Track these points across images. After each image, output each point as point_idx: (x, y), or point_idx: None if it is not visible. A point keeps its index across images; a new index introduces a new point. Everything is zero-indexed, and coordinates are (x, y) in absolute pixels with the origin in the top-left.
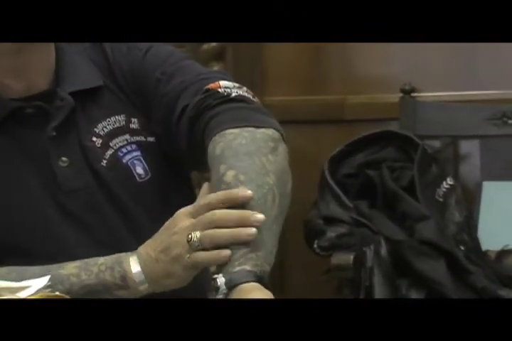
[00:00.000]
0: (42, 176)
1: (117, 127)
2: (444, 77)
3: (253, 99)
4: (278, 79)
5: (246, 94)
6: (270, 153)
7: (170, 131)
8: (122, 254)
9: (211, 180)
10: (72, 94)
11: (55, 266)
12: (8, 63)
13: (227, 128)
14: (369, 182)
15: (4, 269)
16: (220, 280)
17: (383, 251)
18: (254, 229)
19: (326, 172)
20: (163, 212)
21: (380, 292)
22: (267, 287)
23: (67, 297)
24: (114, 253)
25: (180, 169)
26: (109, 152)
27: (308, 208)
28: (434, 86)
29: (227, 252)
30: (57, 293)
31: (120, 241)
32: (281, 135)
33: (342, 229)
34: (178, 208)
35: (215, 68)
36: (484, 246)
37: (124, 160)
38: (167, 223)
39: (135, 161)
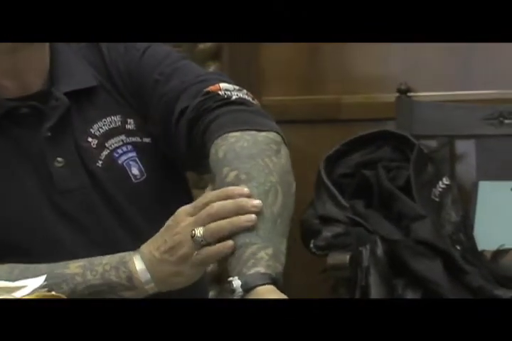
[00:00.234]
0: (37, 176)
1: (113, 128)
2: (440, 76)
3: (253, 102)
4: (274, 78)
5: (246, 97)
6: (273, 155)
7: (168, 132)
8: (125, 254)
9: (215, 183)
10: (67, 94)
11: (59, 264)
12: (3, 63)
13: (228, 132)
14: (365, 182)
15: (6, 267)
16: (236, 282)
17: (379, 250)
18: (253, 215)
19: (322, 172)
20: (159, 212)
21: (376, 292)
22: (281, 289)
23: (64, 297)
24: (109, 253)
25: (177, 170)
26: (105, 152)
27: (304, 208)
28: (431, 86)
29: (230, 243)
30: (53, 292)
31: (115, 242)
32: (283, 138)
33: (338, 229)
34: (175, 209)
35: (212, 68)
36: (480, 246)
37: (120, 161)
38: (168, 222)
39: (131, 162)
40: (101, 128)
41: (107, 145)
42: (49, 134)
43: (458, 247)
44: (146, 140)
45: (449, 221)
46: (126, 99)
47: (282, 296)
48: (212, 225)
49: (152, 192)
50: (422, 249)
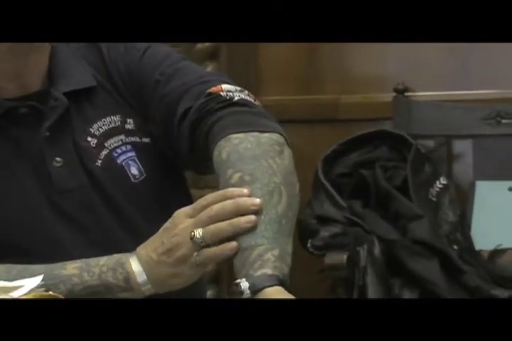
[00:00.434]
0: (36, 176)
1: (112, 127)
2: (438, 76)
3: (255, 103)
4: (272, 78)
5: (248, 98)
6: (277, 156)
7: (170, 132)
8: (122, 255)
9: (219, 185)
10: (66, 94)
11: (56, 265)
12: (3, 64)
13: (231, 133)
14: (362, 182)
15: (4, 267)
16: (244, 284)
17: (376, 250)
18: (253, 216)
19: (320, 172)
20: (159, 212)
21: (373, 291)
22: (289, 290)
23: (61, 296)
24: (109, 253)
25: (176, 170)
26: (104, 152)
27: (301, 208)
28: (428, 85)
29: (233, 244)
30: (50, 292)
31: (115, 242)
32: (286, 139)
33: (335, 229)
34: (174, 208)
35: (209, 68)
36: (477, 246)
37: (119, 161)
38: (166, 224)
39: (130, 162)
40: (100, 127)
41: (106, 144)
42: (47, 134)
43: (455, 247)
44: (146, 140)
45: (446, 221)
46: (126, 99)
47: (291, 297)
48: (212, 227)
49: (151, 191)
50: (419, 248)
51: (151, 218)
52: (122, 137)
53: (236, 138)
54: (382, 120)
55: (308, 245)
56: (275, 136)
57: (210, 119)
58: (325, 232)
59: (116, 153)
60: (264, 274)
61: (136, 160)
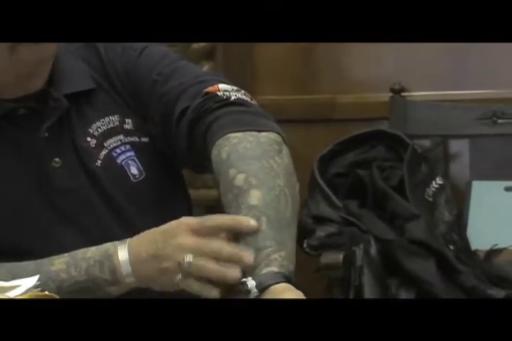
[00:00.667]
0: (36, 177)
1: (111, 127)
2: (434, 76)
3: (252, 102)
4: (268, 78)
5: (245, 97)
6: (276, 155)
7: (169, 132)
8: (110, 246)
9: (220, 185)
10: (66, 95)
11: (44, 260)
12: (4, 63)
13: (230, 132)
14: (359, 182)
15: None
16: (250, 283)
17: (373, 250)
18: (239, 275)
19: (316, 172)
20: (158, 211)
21: (369, 291)
22: (296, 287)
23: (57, 296)
24: None
25: (175, 169)
26: (104, 152)
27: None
28: (424, 85)
29: (215, 293)
30: (46, 292)
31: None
32: (283, 138)
33: (332, 229)
34: (173, 207)
35: (206, 68)
36: (473, 246)
37: (119, 161)
38: (167, 228)
39: (129, 161)
40: (99, 128)
41: (105, 144)
42: (46, 135)
43: (451, 247)
44: (144, 139)
45: (442, 220)
46: (124, 99)
47: (299, 294)
48: (202, 264)
49: (151, 191)
50: (415, 248)
51: (151, 217)
52: (121, 137)
53: (235, 137)
54: (379, 120)
55: (305, 245)
56: (273, 135)
57: (208, 118)
58: (321, 232)
59: (116, 153)
60: (271, 272)
61: (136, 159)
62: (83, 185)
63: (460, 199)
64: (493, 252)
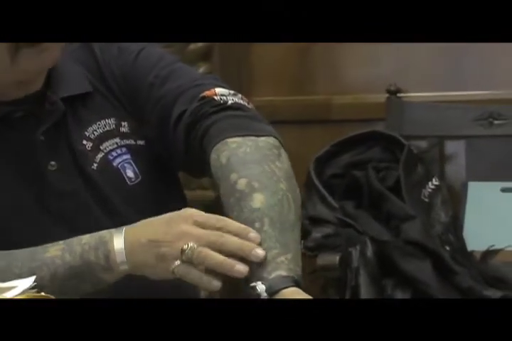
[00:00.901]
0: (32, 180)
1: (107, 130)
2: (430, 77)
3: (248, 106)
4: (265, 79)
5: (241, 102)
6: (276, 160)
7: (166, 135)
8: (106, 233)
9: (221, 189)
10: (62, 98)
11: (38, 248)
12: (4, 65)
13: (228, 137)
14: (355, 183)
15: None
16: (260, 287)
17: (369, 251)
18: (246, 268)
19: (312, 173)
20: (155, 214)
21: (365, 292)
22: (304, 290)
23: (53, 297)
24: None
25: (171, 171)
26: (100, 155)
27: None
28: (421, 86)
29: (218, 284)
30: (42, 293)
31: None
32: (281, 142)
33: (328, 230)
34: (170, 210)
35: (202, 69)
36: (470, 247)
37: (115, 164)
38: (170, 217)
39: (125, 164)
40: (95, 131)
41: (101, 147)
42: (42, 138)
43: (447, 248)
44: (140, 142)
45: (438, 221)
46: (120, 101)
47: (308, 297)
48: (205, 253)
49: (147, 194)
50: (411, 249)
51: None
52: (117, 140)
53: (233, 142)
54: (375, 121)
55: (301, 246)
56: (271, 140)
57: (205, 123)
58: (317, 233)
59: (112, 156)
60: (279, 276)
61: (132, 162)
62: (79, 188)
63: (456, 200)
64: (489, 253)
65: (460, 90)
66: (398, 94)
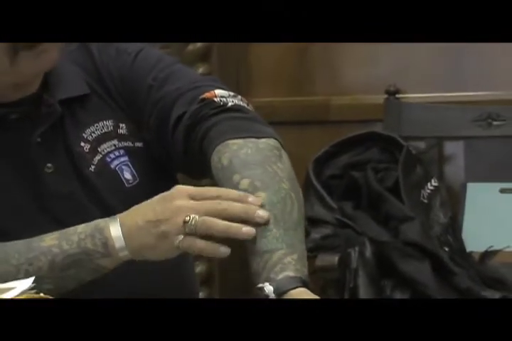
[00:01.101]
0: (28, 182)
1: (105, 132)
2: (429, 78)
3: (248, 108)
4: (263, 80)
5: (241, 103)
6: (278, 161)
7: (164, 137)
8: (100, 221)
9: None
10: (60, 101)
11: (34, 238)
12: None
13: (229, 139)
14: (353, 184)
15: None
16: (268, 288)
17: (368, 252)
18: (253, 230)
19: (311, 174)
20: None
21: (364, 293)
22: (311, 290)
23: (51, 298)
24: None
25: (169, 173)
26: (98, 157)
27: None
28: (419, 87)
29: (226, 250)
30: (41, 294)
31: None
32: (281, 144)
33: (326, 231)
34: None
35: (201, 69)
36: (468, 248)
37: (112, 166)
38: (163, 195)
39: (123, 166)
40: (93, 133)
41: (99, 149)
42: (39, 140)
43: (446, 249)
44: (138, 144)
45: (437, 222)
46: (118, 103)
47: (316, 298)
48: (210, 220)
49: (145, 196)
50: (410, 250)
51: None
52: (115, 142)
53: (234, 144)
54: (373, 122)
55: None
56: (272, 142)
57: (205, 125)
58: (316, 234)
59: (110, 158)
60: (287, 277)
61: (130, 164)
62: (76, 190)
63: (455, 201)
64: (488, 254)
65: (459, 91)
66: (397, 95)
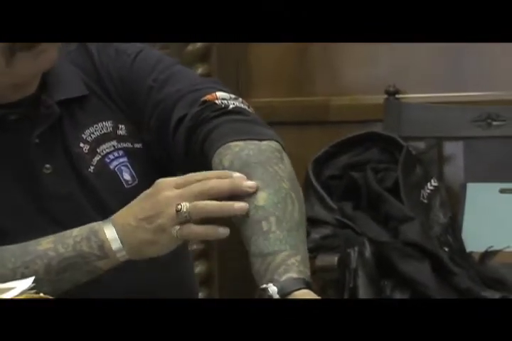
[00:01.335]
0: (27, 182)
1: (104, 133)
2: (429, 78)
3: (249, 110)
4: (263, 80)
5: (242, 106)
6: (280, 163)
7: (165, 138)
8: (94, 224)
9: None
10: (58, 102)
11: (30, 242)
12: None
13: (230, 141)
14: (353, 184)
15: None
16: (272, 289)
17: (367, 252)
18: (246, 205)
19: (311, 174)
20: None
21: (364, 293)
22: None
23: (50, 298)
24: None
25: (169, 174)
26: (97, 158)
27: None
28: (419, 87)
29: (225, 231)
30: (41, 294)
31: None
32: (282, 146)
33: (326, 231)
34: None
35: (200, 70)
36: (468, 248)
37: (111, 167)
38: (147, 191)
39: (122, 167)
40: (92, 133)
41: (98, 150)
42: (37, 141)
43: (446, 249)
44: (137, 145)
45: (437, 222)
46: (117, 104)
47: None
48: (201, 204)
49: None
50: (410, 250)
51: None
52: (114, 143)
53: (236, 145)
54: (373, 122)
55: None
56: (273, 144)
57: (206, 127)
58: (316, 234)
59: (109, 158)
60: (291, 278)
61: (129, 165)
62: (75, 191)
63: (455, 201)
64: (488, 254)
65: (458, 91)
66: (397, 95)
